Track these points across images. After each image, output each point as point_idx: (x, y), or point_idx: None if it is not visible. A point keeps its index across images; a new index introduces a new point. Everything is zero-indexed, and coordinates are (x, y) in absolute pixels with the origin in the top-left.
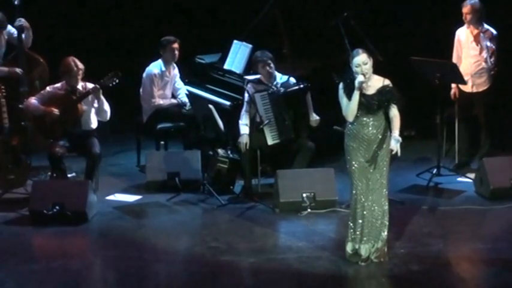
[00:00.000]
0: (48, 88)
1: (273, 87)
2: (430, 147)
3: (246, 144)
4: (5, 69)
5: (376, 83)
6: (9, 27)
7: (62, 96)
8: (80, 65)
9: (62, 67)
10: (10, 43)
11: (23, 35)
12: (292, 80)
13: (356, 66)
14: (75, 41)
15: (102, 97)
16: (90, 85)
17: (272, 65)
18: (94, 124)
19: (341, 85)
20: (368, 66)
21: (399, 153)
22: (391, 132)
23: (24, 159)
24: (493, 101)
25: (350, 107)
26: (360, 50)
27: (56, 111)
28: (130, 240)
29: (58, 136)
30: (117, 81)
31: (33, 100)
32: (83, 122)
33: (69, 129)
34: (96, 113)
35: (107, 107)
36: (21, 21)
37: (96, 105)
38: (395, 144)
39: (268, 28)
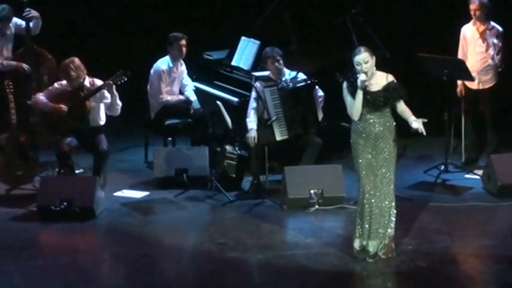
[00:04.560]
0: (56, 84)
1: (282, 83)
2: (438, 144)
3: (254, 138)
4: (13, 63)
5: (379, 79)
6: (17, 20)
7: (70, 93)
8: (77, 65)
9: (59, 73)
10: (18, 36)
11: (31, 24)
12: (301, 75)
13: (357, 65)
14: (83, 37)
15: (115, 92)
16: (98, 82)
17: (281, 61)
18: (102, 121)
19: (345, 84)
20: (369, 65)
21: (424, 132)
22: (410, 122)
23: (32, 155)
24: (500, 97)
25: (355, 106)
26: (362, 48)
27: (64, 107)
28: (138, 237)
29: (66, 132)
30: (125, 79)
31: (41, 96)
32: (91, 118)
33: (77, 126)
34: (107, 108)
35: (119, 101)
36: (31, 11)
37: (107, 100)
38: (417, 125)
39: (276, 25)
